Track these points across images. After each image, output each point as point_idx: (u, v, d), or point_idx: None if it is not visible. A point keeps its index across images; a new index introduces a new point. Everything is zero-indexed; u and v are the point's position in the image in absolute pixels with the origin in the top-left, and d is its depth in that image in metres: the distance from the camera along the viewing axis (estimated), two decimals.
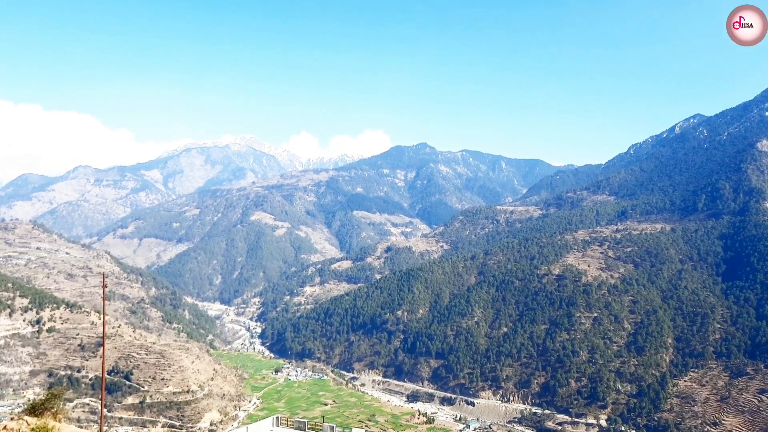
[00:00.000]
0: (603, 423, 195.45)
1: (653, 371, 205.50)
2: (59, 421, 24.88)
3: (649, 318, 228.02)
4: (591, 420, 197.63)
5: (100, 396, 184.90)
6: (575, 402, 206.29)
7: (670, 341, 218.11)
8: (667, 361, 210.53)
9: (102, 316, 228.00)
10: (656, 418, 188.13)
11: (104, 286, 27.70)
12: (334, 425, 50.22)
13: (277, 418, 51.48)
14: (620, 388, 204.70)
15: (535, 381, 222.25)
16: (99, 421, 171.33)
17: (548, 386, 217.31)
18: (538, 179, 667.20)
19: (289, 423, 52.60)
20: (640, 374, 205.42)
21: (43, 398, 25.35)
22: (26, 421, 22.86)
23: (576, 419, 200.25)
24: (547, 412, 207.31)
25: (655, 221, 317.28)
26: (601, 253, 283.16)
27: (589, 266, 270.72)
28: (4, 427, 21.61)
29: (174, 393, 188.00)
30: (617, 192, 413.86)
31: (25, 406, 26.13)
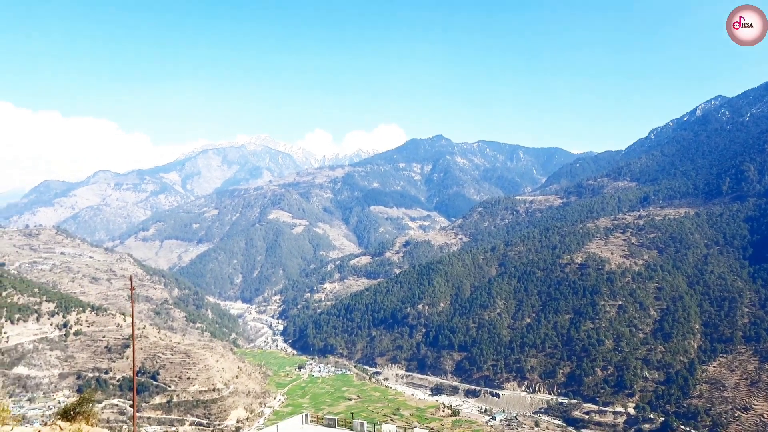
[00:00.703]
0: (631, 411, 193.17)
1: (681, 358, 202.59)
2: (92, 425, 24.56)
3: (675, 304, 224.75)
4: (619, 408, 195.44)
5: (128, 397, 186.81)
6: (602, 391, 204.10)
7: (697, 327, 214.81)
8: (695, 347, 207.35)
9: (131, 317, 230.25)
10: (685, 405, 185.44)
11: (132, 288, 27.30)
12: (365, 422, 49.25)
13: (306, 415, 50.55)
14: (648, 375, 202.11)
15: (561, 371, 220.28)
16: (128, 421, 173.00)
17: (574, 376, 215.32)
18: (558, 167, 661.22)
19: (318, 420, 51.64)
20: (667, 361, 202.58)
21: (75, 402, 24.89)
22: (59, 426, 22.47)
23: (603, 408, 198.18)
24: (573, 401, 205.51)
25: (679, 206, 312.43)
26: (624, 240, 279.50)
27: (612, 254, 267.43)
28: None
29: (200, 392, 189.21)
30: (639, 178, 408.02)
31: (58, 411, 25.66)
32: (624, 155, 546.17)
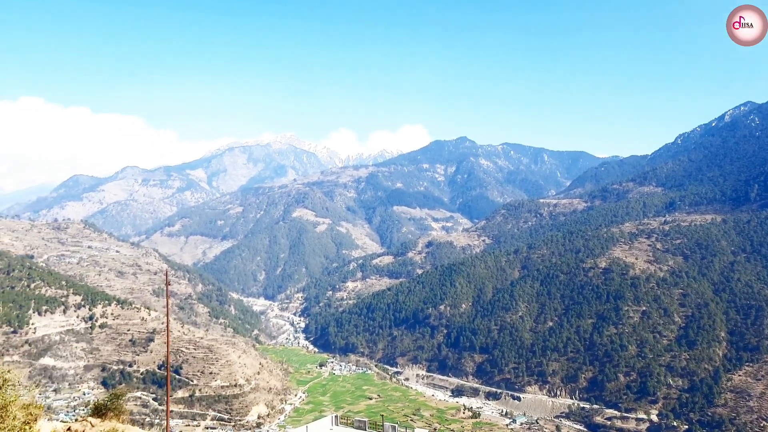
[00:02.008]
0: (654, 418, 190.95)
1: (706, 365, 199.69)
2: (122, 422, 24.50)
3: (701, 311, 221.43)
4: (641, 415, 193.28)
5: (151, 390, 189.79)
6: (624, 397, 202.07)
7: (723, 335, 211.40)
8: (720, 355, 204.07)
9: (155, 311, 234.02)
10: (710, 413, 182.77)
11: (167, 283, 27.55)
12: (396, 424, 49.06)
13: (336, 416, 50.43)
14: (671, 382, 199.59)
15: (583, 375, 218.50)
16: (151, 414, 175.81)
17: (596, 381, 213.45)
18: (582, 171, 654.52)
19: (348, 422, 51.48)
20: (692, 368, 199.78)
21: (106, 399, 24.78)
22: (90, 422, 22.69)
23: (626, 414, 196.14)
24: (595, 406, 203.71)
25: (705, 212, 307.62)
26: (649, 245, 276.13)
27: (636, 259, 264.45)
28: (69, 429, 21.58)
29: (222, 387, 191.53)
30: (665, 183, 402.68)
31: (89, 407, 25.86)
32: (650, 160, 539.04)
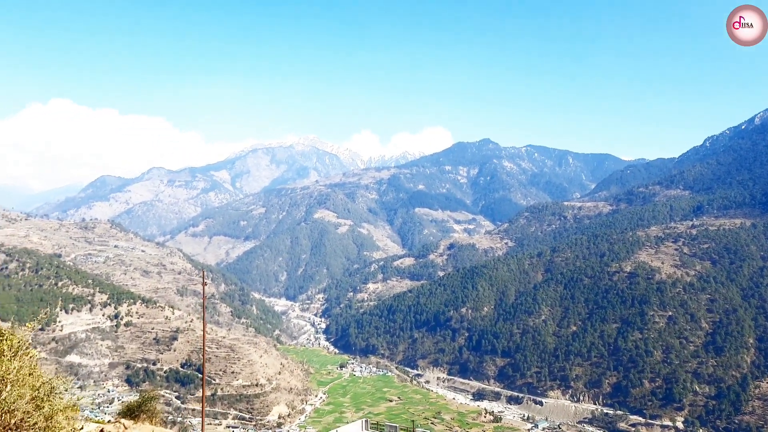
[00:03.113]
0: (680, 425, 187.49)
1: (733, 372, 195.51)
2: (155, 424, 24.13)
3: (729, 317, 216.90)
4: (667, 422, 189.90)
5: (174, 388, 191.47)
6: (649, 403, 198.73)
7: (751, 341, 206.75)
8: (748, 362, 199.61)
9: (180, 311, 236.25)
10: (736, 421, 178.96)
11: (204, 283, 27.47)
12: (428, 431, 47.98)
13: (366, 421, 49.68)
14: (698, 389, 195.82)
15: (606, 381, 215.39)
16: (173, 412, 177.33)
17: (620, 386, 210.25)
18: (607, 174, 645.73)
19: (379, 427, 50.66)
20: (719, 375, 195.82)
21: (140, 400, 24.28)
22: (123, 424, 22.39)
23: (650, 421, 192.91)
24: (619, 412, 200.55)
25: (734, 216, 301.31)
26: (676, 249, 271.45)
27: (662, 263, 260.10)
28: (101, 431, 21.28)
29: (243, 386, 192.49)
30: (692, 186, 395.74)
31: (120, 407, 25.55)
32: (677, 163, 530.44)
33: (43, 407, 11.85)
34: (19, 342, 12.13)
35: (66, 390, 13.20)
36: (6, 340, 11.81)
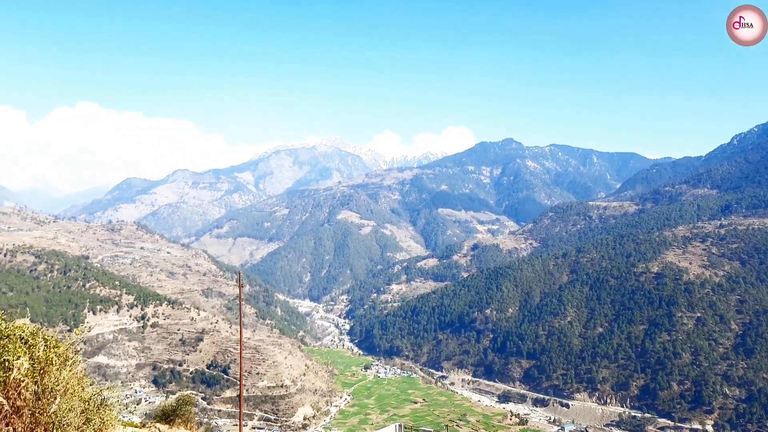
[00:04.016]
0: (709, 429, 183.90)
1: (764, 375, 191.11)
2: (190, 429, 23.88)
3: (759, 318, 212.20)
4: (696, 425, 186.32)
5: (200, 389, 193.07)
6: (678, 406, 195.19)
7: None
8: None
9: (205, 312, 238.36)
10: None
11: (240, 285, 27.11)
12: None
13: (400, 425, 49.33)
14: (728, 392, 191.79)
15: (634, 383, 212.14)
16: (199, 413, 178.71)
17: (648, 389, 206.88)
18: (633, 173, 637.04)
19: (414, 431, 49.78)
20: (749, 378, 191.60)
21: (174, 404, 24.09)
22: (158, 428, 22.16)
23: (679, 424, 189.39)
24: (647, 415, 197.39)
25: (764, 215, 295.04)
26: (704, 249, 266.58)
27: (690, 264, 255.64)
28: None
29: (268, 387, 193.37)
30: (720, 185, 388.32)
31: (155, 412, 25.25)
32: (704, 161, 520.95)
33: (94, 420, 11.42)
34: (67, 349, 11.33)
35: (117, 401, 12.76)
36: (54, 348, 11.04)
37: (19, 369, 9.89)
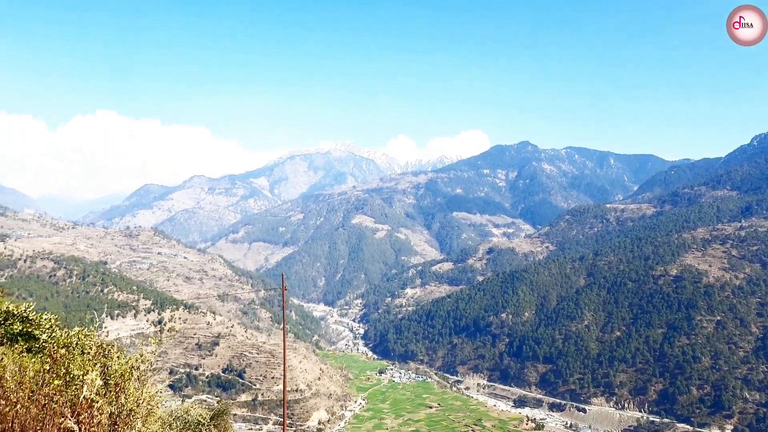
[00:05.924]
0: None
1: None
2: None
3: None
4: (716, 430, 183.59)
5: (216, 393, 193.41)
6: (697, 411, 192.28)
7: None
8: None
9: (221, 316, 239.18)
10: None
11: (284, 288, 26.27)
12: None
13: None
14: (748, 396, 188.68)
15: (652, 388, 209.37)
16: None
17: (667, 393, 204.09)
18: (651, 175, 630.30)
19: None
20: None
21: (210, 415, 22.75)
22: None
23: (699, 429, 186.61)
24: (666, 420, 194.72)
25: None
26: (724, 252, 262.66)
27: (710, 266, 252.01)
28: None
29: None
30: (740, 187, 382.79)
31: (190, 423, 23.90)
32: (723, 163, 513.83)
33: None
34: (146, 365, 9.63)
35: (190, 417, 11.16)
36: (130, 360, 9.91)
37: (90, 386, 8.30)
